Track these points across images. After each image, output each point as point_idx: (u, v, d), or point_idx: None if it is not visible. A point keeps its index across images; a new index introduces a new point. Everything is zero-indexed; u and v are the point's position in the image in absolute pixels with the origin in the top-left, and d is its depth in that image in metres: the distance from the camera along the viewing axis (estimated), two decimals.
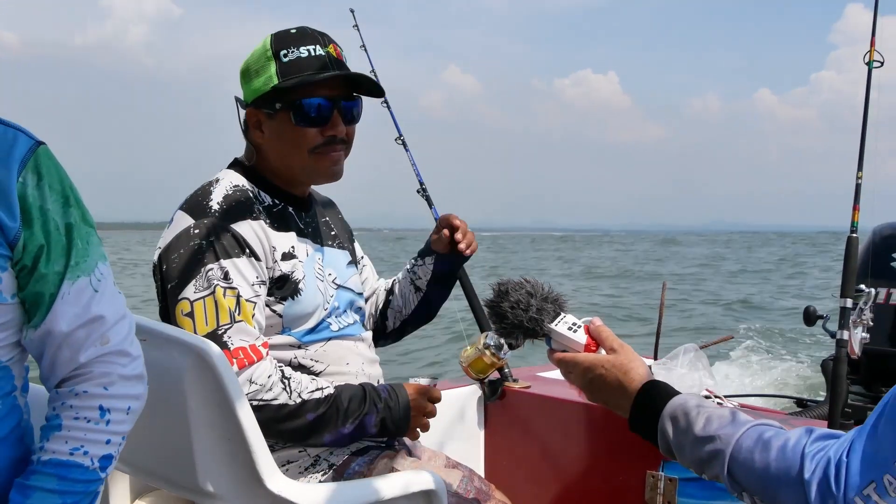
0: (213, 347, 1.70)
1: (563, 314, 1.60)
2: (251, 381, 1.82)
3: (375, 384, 2.13)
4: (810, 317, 2.26)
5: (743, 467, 1.30)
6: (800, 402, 2.75)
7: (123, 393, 1.33)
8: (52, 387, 1.34)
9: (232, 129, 2.16)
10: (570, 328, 1.58)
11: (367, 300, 2.39)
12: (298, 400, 1.87)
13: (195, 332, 1.82)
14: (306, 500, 1.73)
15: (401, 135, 3.01)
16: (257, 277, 1.92)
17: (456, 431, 2.76)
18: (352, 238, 2.36)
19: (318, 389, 1.90)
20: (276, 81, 1.98)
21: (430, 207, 3.07)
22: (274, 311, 1.96)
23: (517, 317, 1.59)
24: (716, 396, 2.68)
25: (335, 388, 1.94)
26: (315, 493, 1.77)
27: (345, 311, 2.12)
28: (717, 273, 32.00)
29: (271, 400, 1.84)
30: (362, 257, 2.41)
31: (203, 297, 1.84)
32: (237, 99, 2.08)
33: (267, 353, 1.88)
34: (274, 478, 1.73)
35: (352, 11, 3.21)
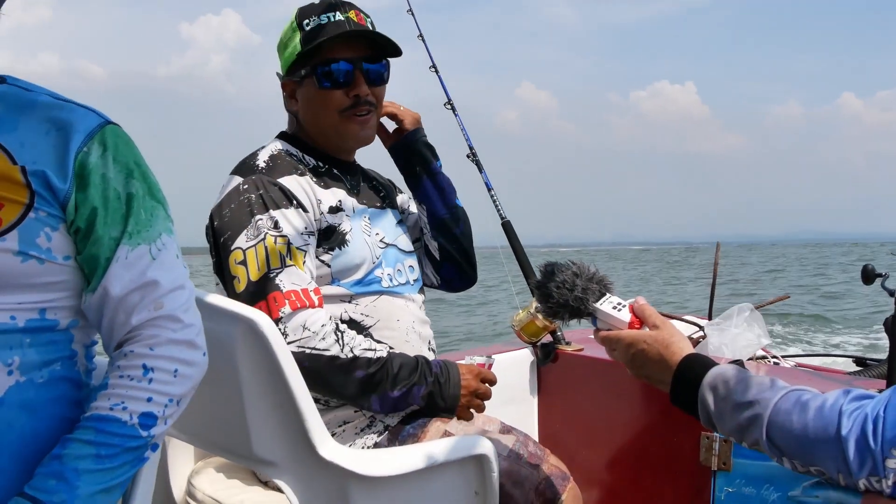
0: (263, 317, 1.73)
1: (608, 294, 1.64)
2: (304, 327, 1.85)
3: (428, 351, 2.15)
4: (869, 275, 2.20)
5: (781, 430, 1.31)
6: (859, 361, 2.69)
7: (169, 355, 1.35)
8: (111, 352, 1.38)
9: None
10: (614, 307, 1.62)
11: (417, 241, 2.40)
12: (350, 355, 1.89)
13: (248, 278, 1.88)
14: (357, 465, 1.75)
15: (450, 100, 3.00)
16: (306, 228, 1.97)
17: (509, 395, 2.76)
18: (396, 190, 2.41)
19: (370, 349, 1.93)
20: (299, 49, 2.07)
21: (481, 172, 3.06)
22: (322, 262, 2.01)
23: (563, 296, 1.62)
24: (773, 357, 2.65)
25: (388, 353, 1.96)
26: (366, 458, 1.80)
27: (394, 268, 2.15)
28: None
29: (324, 350, 1.86)
30: (410, 201, 2.42)
31: (255, 245, 1.91)
32: (277, 74, 2.18)
33: (321, 304, 1.91)
34: (326, 444, 1.76)
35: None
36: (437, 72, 3.00)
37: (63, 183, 1.30)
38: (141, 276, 1.35)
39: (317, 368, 1.84)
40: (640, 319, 1.60)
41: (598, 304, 1.62)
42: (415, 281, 2.24)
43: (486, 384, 2.10)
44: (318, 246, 2.01)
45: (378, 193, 2.28)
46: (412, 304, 2.17)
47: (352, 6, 2.10)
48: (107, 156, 1.35)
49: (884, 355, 2.38)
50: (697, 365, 1.49)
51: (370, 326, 2.05)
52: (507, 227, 3.05)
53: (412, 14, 2.97)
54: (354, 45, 2.07)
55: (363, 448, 1.98)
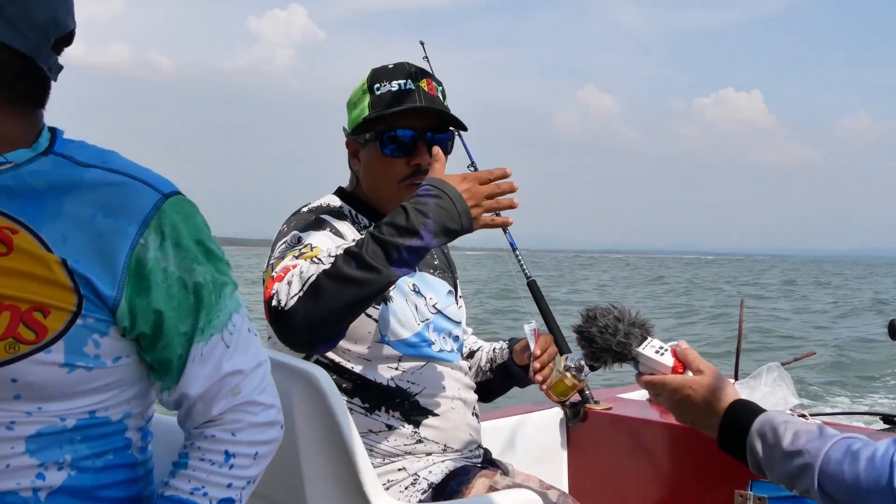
0: (321, 372, 1.76)
1: (649, 338, 1.64)
2: (288, 283, 1.71)
3: (472, 416, 2.16)
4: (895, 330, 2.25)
5: (833, 480, 1.32)
6: (887, 419, 2.72)
7: (251, 439, 1.34)
8: (188, 430, 1.37)
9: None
10: (657, 351, 1.62)
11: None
12: (331, 261, 1.71)
13: (264, 284, 1.79)
14: None
15: (472, 162, 3.06)
16: (336, 247, 1.79)
17: (540, 453, 2.78)
18: (455, 275, 2.39)
19: (344, 244, 1.77)
20: (366, 113, 2.08)
21: (505, 233, 3.12)
22: (369, 316, 1.99)
23: (606, 341, 1.63)
24: (800, 415, 2.68)
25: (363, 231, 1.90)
26: None
27: (440, 335, 2.15)
28: None
29: (309, 278, 1.69)
30: (461, 297, 2.40)
31: (279, 257, 1.85)
32: (344, 129, 2.20)
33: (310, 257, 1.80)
34: (380, 499, 1.77)
35: (422, 44, 3.26)
36: (459, 135, 3.06)
37: (111, 289, 1.20)
38: (217, 370, 1.31)
39: (324, 300, 1.67)
40: (682, 364, 1.60)
41: (640, 349, 1.62)
42: (458, 349, 2.24)
43: (488, 182, 1.80)
44: None
45: (432, 259, 2.27)
46: (458, 371, 2.16)
47: (425, 74, 2.12)
48: (166, 246, 1.24)
49: None
50: (745, 411, 1.50)
51: (416, 393, 2.04)
52: (533, 286, 3.07)
53: (427, 60, 3.04)
54: (419, 113, 2.07)
55: None
